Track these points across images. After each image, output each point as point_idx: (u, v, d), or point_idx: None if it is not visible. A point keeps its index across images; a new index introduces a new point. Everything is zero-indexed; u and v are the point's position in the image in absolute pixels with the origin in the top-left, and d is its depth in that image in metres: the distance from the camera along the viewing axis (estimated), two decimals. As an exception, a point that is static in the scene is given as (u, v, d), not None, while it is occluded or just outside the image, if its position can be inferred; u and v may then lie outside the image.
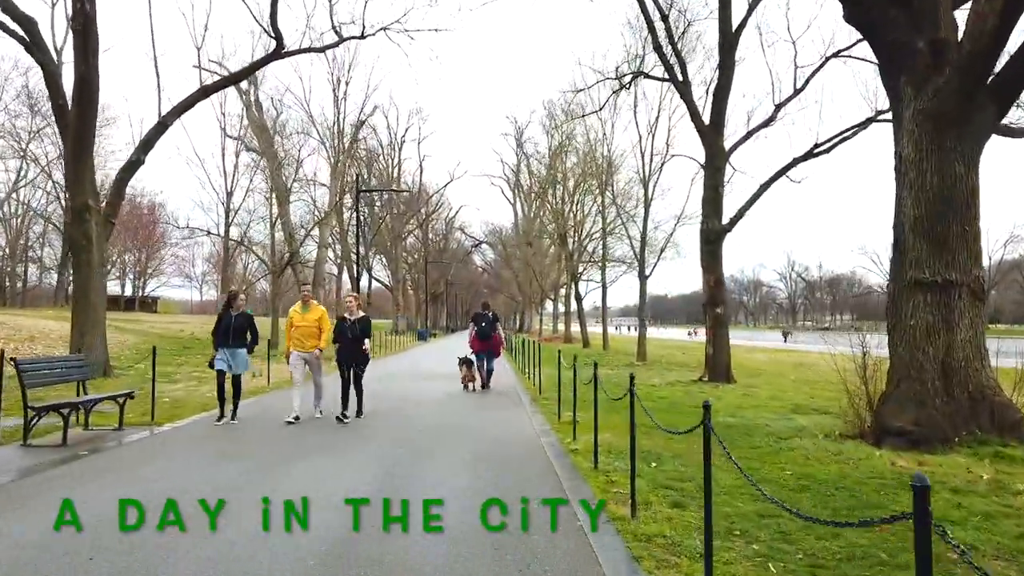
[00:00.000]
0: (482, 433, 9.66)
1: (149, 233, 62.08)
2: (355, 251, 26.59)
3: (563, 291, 57.22)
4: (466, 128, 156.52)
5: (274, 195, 29.09)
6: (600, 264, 36.01)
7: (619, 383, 16.15)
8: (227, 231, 22.66)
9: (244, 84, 31.87)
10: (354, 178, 28.46)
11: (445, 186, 69.79)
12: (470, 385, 15.15)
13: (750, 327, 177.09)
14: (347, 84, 41.74)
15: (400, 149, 59.73)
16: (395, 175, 58.79)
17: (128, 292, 77.43)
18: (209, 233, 31.14)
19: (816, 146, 14.90)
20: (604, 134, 26.19)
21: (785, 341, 56.32)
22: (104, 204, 16.98)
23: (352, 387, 11.02)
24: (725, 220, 15.73)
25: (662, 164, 21.68)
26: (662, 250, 22.77)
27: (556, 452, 8.35)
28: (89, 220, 15.86)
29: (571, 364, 10.67)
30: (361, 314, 11.24)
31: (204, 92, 18.06)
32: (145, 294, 79.93)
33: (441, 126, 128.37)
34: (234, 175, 22.45)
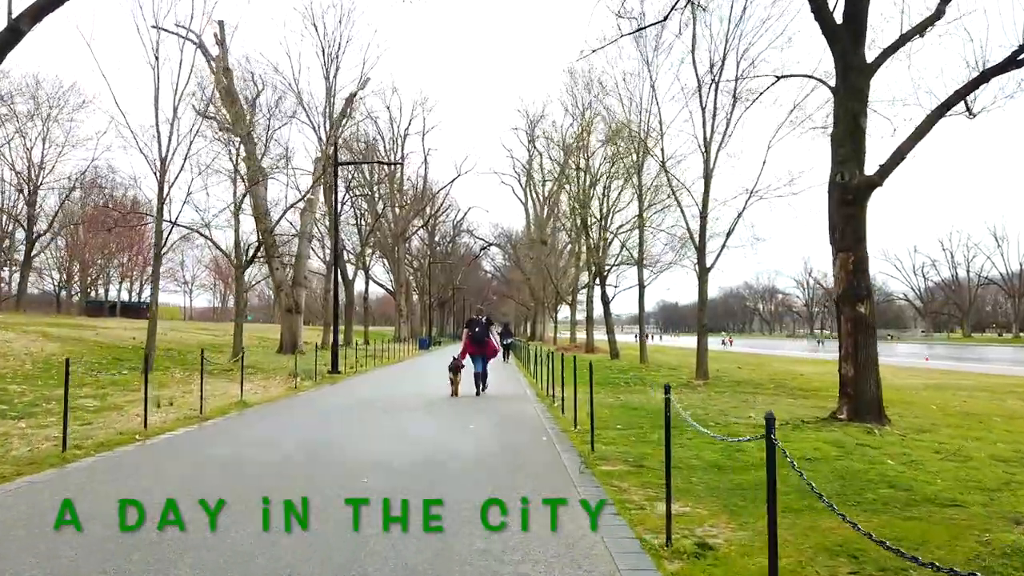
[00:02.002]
0: None
1: (129, 233, 56.92)
2: (331, 235, 21.29)
3: (579, 295, 51.74)
4: (474, 123, 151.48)
5: (240, 173, 23.78)
6: (630, 261, 30.56)
7: (705, 417, 10.73)
8: (160, 208, 17.30)
9: (211, 44, 26.68)
10: (335, 155, 23.08)
11: (452, 181, 64.51)
12: (457, 392, 14.64)
13: (766, 335, 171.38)
14: (339, 57, 36.55)
15: (403, 143, 54.55)
16: (397, 171, 53.50)
17: (124, 298, 73.91)
18: (135, 214, 25.89)
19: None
20: (650, 77, 20.69)
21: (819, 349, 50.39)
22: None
23: None
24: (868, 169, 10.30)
25: (746, 106, 16.14)
26: (729, 232, 17.33)
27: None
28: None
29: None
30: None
31: None
32: (139, 300, 76.00)
33: (447, 119, 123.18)
34: (170, 140, 17.03)
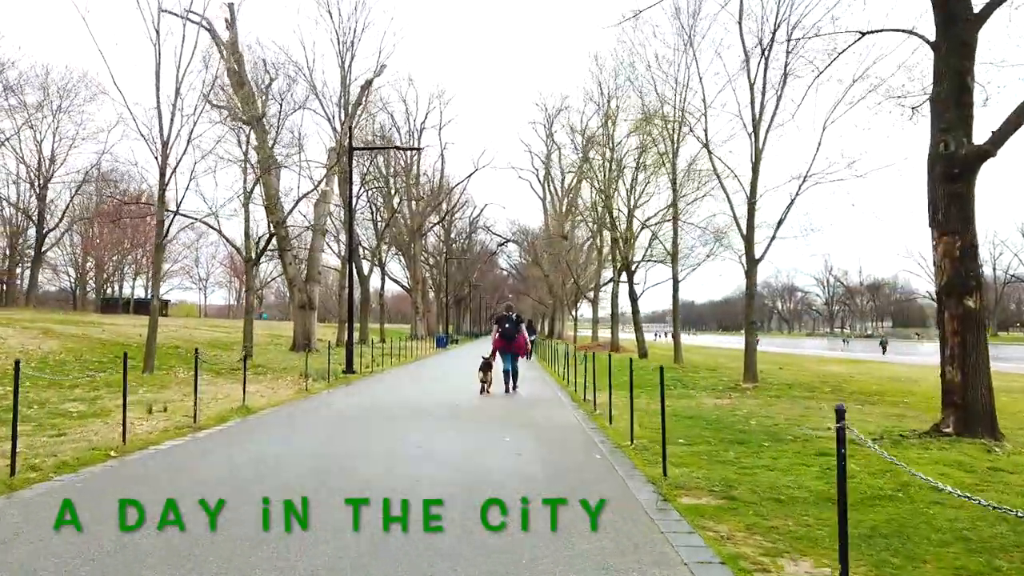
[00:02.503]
0: None
1: (142, 228, 56.05)
2: (346, 227, 19.90)
3: (600, 292, 50.13)
4: (491, 118, 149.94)
5: (250, 161, 22.44)
6: (659, 255, 28.94)
7: (778, 429, 9.08)
8: (162, 196, 15.96)
9: (221, 28, 25.38)
10: (351, 142, 21.66)
11: (470, 176, 63.43)
12: (489, 390, 14.53)
13: (785, 334, 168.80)
14: (355, 45, 35.17)
15: (419, 137, 53.09)
16: (413, 165, 52.07)
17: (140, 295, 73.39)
18: (144, 205, 24.52)
19: None
20: (692, 49, 19.03)
21: (884, 353, 48.11)
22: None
23: None
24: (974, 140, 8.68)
25: (818, 71, 14.44)
26: (781, 221, 15.73)
27: None
28: None
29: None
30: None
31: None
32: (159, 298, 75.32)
33: (464, 114, 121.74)
34: (172, 122, 15.69)
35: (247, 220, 22.58)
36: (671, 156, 22.89)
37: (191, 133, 16.62)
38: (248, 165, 22.51)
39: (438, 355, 35.57)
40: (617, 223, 29.55)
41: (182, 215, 18.79)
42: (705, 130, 17.45)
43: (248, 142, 23.04)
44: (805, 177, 15.92)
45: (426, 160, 56.46)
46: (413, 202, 53.01)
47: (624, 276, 35.91)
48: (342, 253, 35.71)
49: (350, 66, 35.54)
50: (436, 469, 6.81)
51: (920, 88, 11.69)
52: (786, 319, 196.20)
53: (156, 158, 16.49)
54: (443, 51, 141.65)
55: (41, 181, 45.07)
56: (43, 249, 47.00)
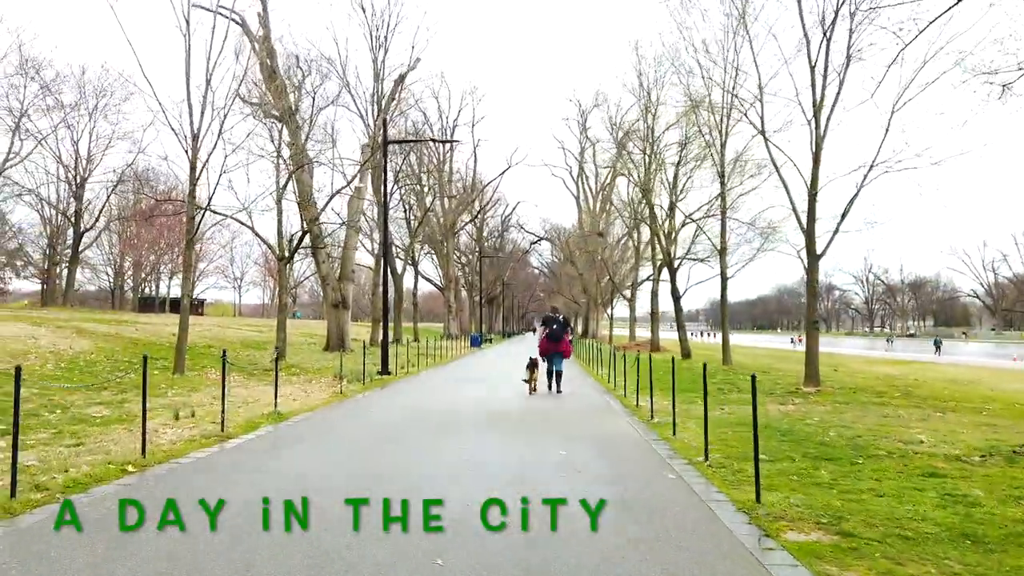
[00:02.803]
0: None
1: (178, 227, 56.31)
2: (380, 223, 19.21)
3: (635, 290, 48.98)
4: (524, 116, 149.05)
5: (283, 157, 21.90)
6: (702, 251, 27.83)
7: (864, 443, 7.98)
8: (192, 191, 15.41)
9: (253, 20, 24.88)
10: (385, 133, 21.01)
11: (503, 173, 62.22)
12: (536, 389, 14.67)
13: (824, 333, 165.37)
14: (388, 40, 34.53)
15: (452, 133, 52.40)
16: (446, 163, 51.43)
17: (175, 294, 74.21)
18: (179, 203, 23.95)
19: None
20: (745, 28, 17.88)
21: (938, 352, 46.15)
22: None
23: None
24: None
25: (904, 44, 13.28)
26: (845, 213, 14.66)
27: None
28: None
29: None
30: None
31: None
32: (194, 297, 76.18)
33: (497, 111, 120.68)
34: (202, 114, 15.14)
35: (280, 217, 22.03)
36: (719, 146, 21.75)
37: (221, 126, 16.00)
38: (281, 161, 21.95)
39: (474, 355, 34.82)
40: (658, 218, 28.43)
41: (212, 212, 18.21)
42: (761, 116, 16.33)
43: (280, 138, 22.50)
44: (872, 166, 14.75)
45: (458, 158, 55.88)
46: (446, 200, 52.41)
47: (664, 274, 34.83)
48: (375, 251, 35.12)
49: (383, 61, 34.94)
50: (486, 487, 5.97)
51: (1015, 63, 10.55)
52: (824, 318, 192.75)
53: (186, 152, 15.92)
54: (476, 47, 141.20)
55: (78, 181, 45.36)
56: (80, 249, 47.33)
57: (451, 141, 18.11)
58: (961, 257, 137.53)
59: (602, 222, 57.21)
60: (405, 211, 47.79)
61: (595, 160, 58.83)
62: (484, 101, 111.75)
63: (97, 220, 47.17)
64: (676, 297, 27.79)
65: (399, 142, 27.35)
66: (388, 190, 19.20)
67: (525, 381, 14.97)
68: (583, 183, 64.75)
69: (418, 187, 46.88)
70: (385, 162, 18.55)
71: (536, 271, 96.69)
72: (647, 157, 29.55)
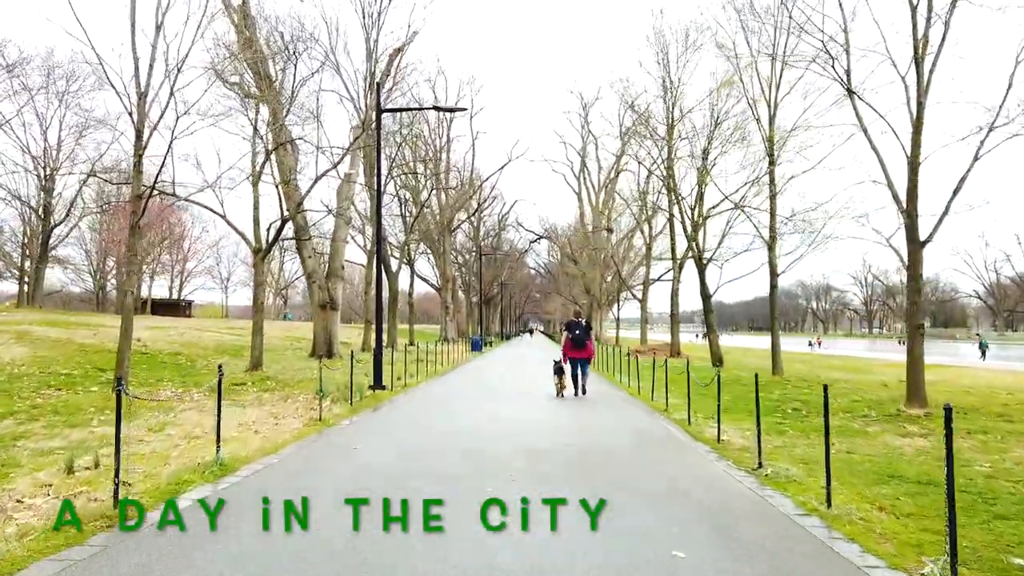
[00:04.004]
0: None
1: (160, 225, 53.17)
2: (373, 207, 16.11)
3: (647, 289, 45.90)
4: (522, 112, 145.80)
5: (260, 134, 18.82)
6: (729, 245, 24.80)
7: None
8: (138, 163, 12.28)
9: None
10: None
11: (503, 167, 59.27)
12: (563, 393, 14.71)
13: (822, 335, 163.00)
14: (382, 16, 31.35)
15: (449, 125, 49.33)
16: (442, 156, 48.25)
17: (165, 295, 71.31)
18: (158, 193, 20.58)
19: None
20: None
21: (983, 357, 42.95)
22: None
23: None
24: None
25: None
26: (957, 190, 11.64)
27: None
28: None
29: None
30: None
31: None
32: (179, 297, 73.07)
33: (495, 107, 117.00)
34: (151, 69, 11.99)
35: (256, 204, 18.87)
36: (767, 119, 18.67)
37: (174, 84, 12.77)
38: (258, 139, 18.79)
39: (476, 360, 31.67)
40: (683, 204, 25.32)
41: (162, 192, 14.96)
42: (847, 69, 13.21)
43: (257, 114, 19.33)
44: (990, 128, 11.72)
45: (456, 152, 52.85)
46: (443, 195, 49.29)
47: (680, 270, 31.75)
48: (368, 247, 31.96)
49: (376, 42, 31.77)
50: None
51: None
52: (822, 320, 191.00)
53: (131, 115, 12.73)
54: (473, 37, 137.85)
55: (47, 173, 42.00)
56: (51, 246, 43.95)
57: (455, 109, 15.42)
58: (963, 257, 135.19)
59: (605, 218, 54.27)
60: (400, 207, 44.68)
61: (597, 155, 55.95)
62: (482, 92, 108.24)
63: (68, 215, 43.76)
64: (706, 296, 24.69)
65: (394, 110, 24.15)
66: (381, 169, 16.09)
67: (556, 384, 14.91)
68: (585, 178, 61.79)
69: (413, 182, 43.77)
70: (378, 134, 15.41)
71: (533, 271, 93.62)
72: (668, 142, 26.55)
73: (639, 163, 36.16)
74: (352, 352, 15.17)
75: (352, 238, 34.93)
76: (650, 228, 41.99)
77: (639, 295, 46.11)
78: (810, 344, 63.86)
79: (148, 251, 61.40)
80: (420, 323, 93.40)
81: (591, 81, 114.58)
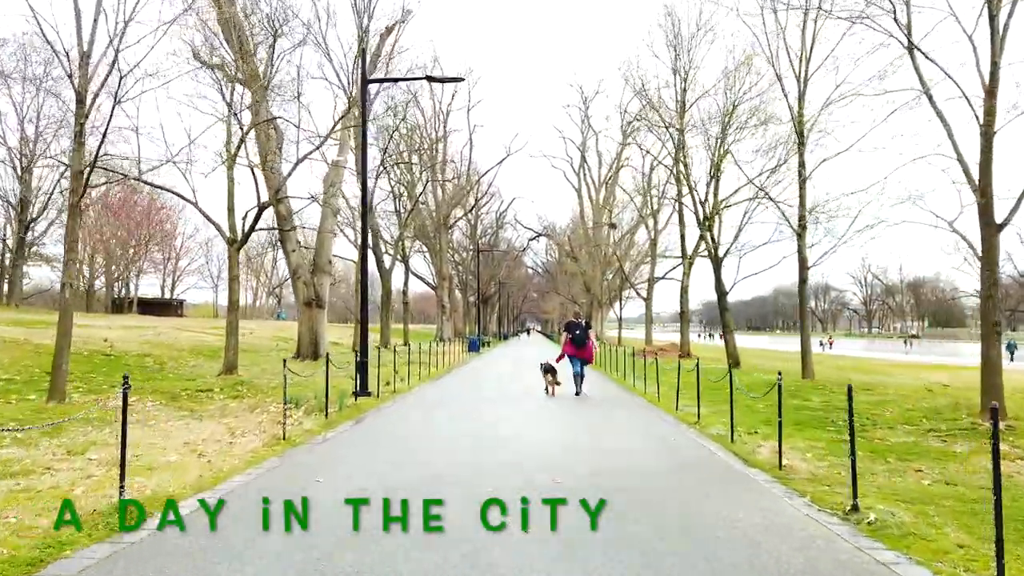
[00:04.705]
0: None
1: (131, 214, 51.21)
2: (360, 183, 14.31)
3: (651, 287, 44.09)
4: (520, 108, 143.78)
5: (235, 112, 16.99)
6: (747, 237, 22.82)
7: None
8: (79, 134, 10.43)
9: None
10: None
11: (502, 161, 57.32)
12: (552, 390, 14.77)
13: (819, 334, 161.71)
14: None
15: (446, 119, 47.41)
16: (439, 147, 46.31)
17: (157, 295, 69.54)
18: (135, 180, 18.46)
19: None
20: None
21: (1012, 359, 40.96)
22: None
23: None
24: None
25: None
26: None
27: None
28: None
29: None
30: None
31: None
32: (171, 296, 71.28)
33: (494, 101, 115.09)
34: (95, 19, 10.06)
35: (231, 189, 17.00)
36: (796, 96, 16.84)
37: (120, 40, 10.87)
38: (233, 116, 16.92)
39: (473, 361, 29.79)
40: (695, 193, 23.50)
41: (104, 168, 13.06)
42: (908, 23, 11.36)
43: (233, 89, 17.44)
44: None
45: (453, 146, 50.94)
46: (439, 190, 47.38)
47: (690, 266, 29.95)
48: (358, 241, 30.04)
49: (367, 28, 29.81)
50: None
51: None
52: (821, 319, 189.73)
53: (70, 78, 10.86)
54: (471, 30, 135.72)
55: (24, 164, 40.02)
56: (28, 242, 41.97)
57: (451, 79, 13.73)
58: (965, 255, 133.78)
59: (606, 215, 52.51)
60: (394, 200, 42.73)
61: (598, 149, 54.17)
62: (480, 85, 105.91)
63: (46, 209, 41.77)
64: (722, 293, 22.86)
65: (381, 80, 22.25)
66: (366, 146, 14.21)
67: (553, 384, 14.91)
68: (585, 174, 59.99)
69: (408, 175, 41.87)
70: (363, 105, 13.57)
71: (530, 271, 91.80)
72: (680, 123, 24.77)
73: (645, 153, 34.34)
74: (328, 355, 13.27)
75: (342, 231, 33.05)
76: (655, 222, 40.18)
77: (643, 293, 44.28)
78: (821, 344, 61.93)
79: (135, 247, 59.49)
80: (416, 323, 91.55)
81: (592, 74, 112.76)
